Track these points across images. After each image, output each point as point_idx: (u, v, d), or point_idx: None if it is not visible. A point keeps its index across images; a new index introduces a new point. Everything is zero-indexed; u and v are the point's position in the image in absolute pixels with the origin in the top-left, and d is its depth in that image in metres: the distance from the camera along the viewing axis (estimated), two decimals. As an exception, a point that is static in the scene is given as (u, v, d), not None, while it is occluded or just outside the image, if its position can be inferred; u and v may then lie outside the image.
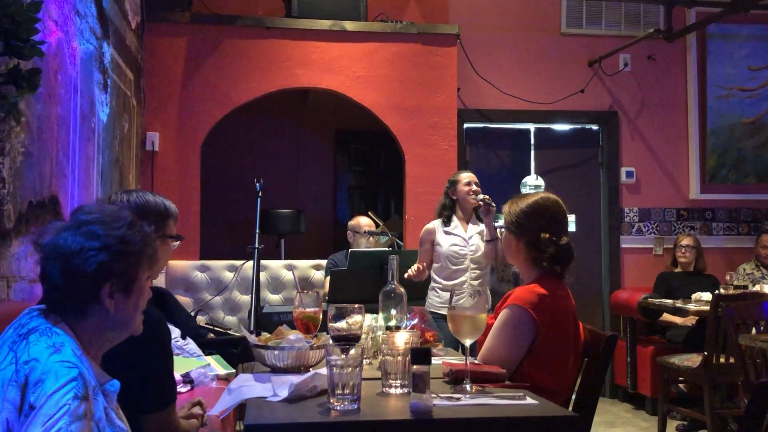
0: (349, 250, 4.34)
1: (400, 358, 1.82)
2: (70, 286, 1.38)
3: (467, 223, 4.18)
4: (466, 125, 5.95)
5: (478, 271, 4.12)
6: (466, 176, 4.20)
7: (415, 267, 3.87)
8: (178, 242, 2.20)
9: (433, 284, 4.18)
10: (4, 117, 2.19)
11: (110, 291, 1.41)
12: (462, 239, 4.12)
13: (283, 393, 1.74)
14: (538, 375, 2.08)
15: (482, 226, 4.08)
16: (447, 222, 4.17)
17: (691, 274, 5.46)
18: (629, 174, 6.09)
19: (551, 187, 5.87)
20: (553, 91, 5.98)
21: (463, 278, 4.09)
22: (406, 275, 3.75)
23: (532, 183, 6.01)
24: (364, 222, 4.82)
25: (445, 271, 4.12)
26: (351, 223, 4.91)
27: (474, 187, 4.14)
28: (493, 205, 3.98)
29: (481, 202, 4.00)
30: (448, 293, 1.99)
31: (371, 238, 4.72)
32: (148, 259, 1.48)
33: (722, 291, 4.54)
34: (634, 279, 6.01)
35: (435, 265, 4.16)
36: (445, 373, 2.00)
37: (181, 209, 4.99)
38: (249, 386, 1.87)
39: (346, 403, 1.62)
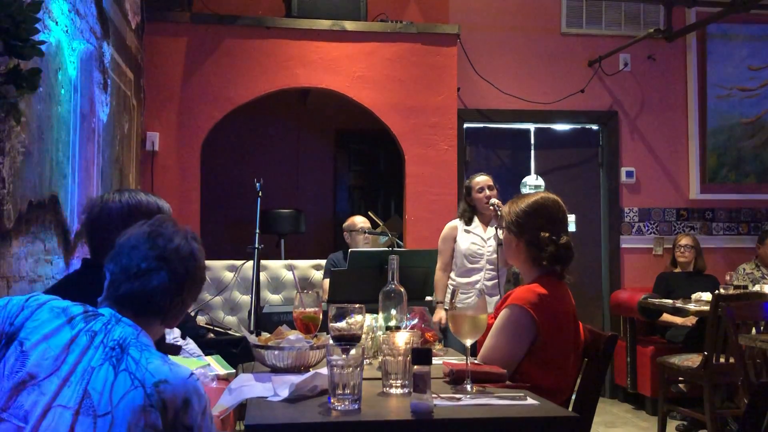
0: (349, 250, 4.34)
1: (400, 358, 1.81)
2: (185, 287, 1.46)
3: (486, 225, 4.21)
4: (466, 125, 5.94)
5: (492, 272, 4.14)
6: (479, 181, 4.21)
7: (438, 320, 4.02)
8: None
9: (449, 282, 4.22)
10: (4, 117, 2.19)
11: None
12: (481, 239, 4.18)
13: (284, 393, 1.73)
14: (538, 375, 2.08)
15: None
16: (468, 222, 4.21)
17: (691, 274, 5.46)
18: (629, 174, 6.09)
19: (551, 187, 5.87)
20: (553, 91, 5.98)
21: (477, 277, 4.13)
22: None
23: (532, 183, 6.01)
24: (358, 220, 4.83)
25: (461, 269, 4.17)
26: (345, 224, 4.91)
27: (487, 192, 4.16)
28: None
29: (491, 207, 4.02)
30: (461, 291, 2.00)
31: (369, 236, 4.73)
32: None
33: (722, 291, 4.54)
34: (634, 279, 6.01)
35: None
36: (445, 373, 2.00)
37: (181, 209, 5.02)
38: (249, 386, 1.87)
39: (347, 403, 1.62)
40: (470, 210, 4.24)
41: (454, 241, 4.21)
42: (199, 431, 1.31)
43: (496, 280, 4.15)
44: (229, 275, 4.88)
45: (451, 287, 4.16)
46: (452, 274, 4.21)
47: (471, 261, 4.15)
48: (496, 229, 3.99)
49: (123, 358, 1.30)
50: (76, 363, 1.29)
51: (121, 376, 1.28)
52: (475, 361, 2.08)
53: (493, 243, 4.14)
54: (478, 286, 4.01)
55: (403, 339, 1.86)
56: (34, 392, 1.27)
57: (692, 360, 4.39)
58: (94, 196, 3.39)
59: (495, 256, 4.11)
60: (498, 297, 4.03)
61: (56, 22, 2.76)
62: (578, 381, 2.26)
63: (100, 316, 1.37)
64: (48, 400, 1.26)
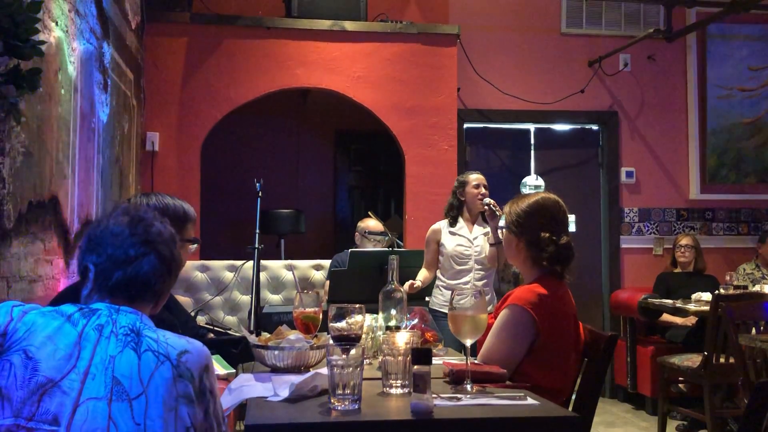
0: (350, 250, 4.34)
1: (400, 358, 1.81)
2: (172, 268, 1.49)
3: (473, 224, 4.19)
4: (466, 125, 5.94)
5: (482, 272, 4.12)
6: (475, 178, 4.19)
7: (407, 284, 3.87)
8: (195, 245, 2.22)
9: (438, 283, 4.20)
10: (4, 117, 2.19)
11: None
12: (467, 240, 4.14)
13: (284, 393, 1.73)
14: (538, 375, 2.08)
15: (488, 228, 4.09)
16: (453, 222, 4.18)
17: (691, 274, 5.46)
18: (629, 174, 6.09)
19: (551, 187, 5.87)
20: (553, 91, 5.98)
21: (467, 278, 4.10)
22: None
23: (532, 183, 6.01)
24: (371, 224, 4.79)
25: (449, 271, 4.14)
26: (360, 224, 4.85)
27: (482, 190, 4.15)
28: (499, 211, 3.99)
29: (486, 207, 4.00)
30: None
31: (376, 242, 4.70)
32: None
33: (722, 291, 4.54)
34: (634, 279, 6.01)
35: (440, 264, 4.18)
36: (445, 373, 2.00)
37: (181, 209, 4.98)
38: (249, 386, 1.87)
39: (347, 403, 1.62)
40: (458, 207, 4.21)
41: (438, 244, 4.18)
42: (216, 392, 1.41)
43: (486, 280, 4.14)
44: (229, 275, 4.88)
45: (442, 289, 4.15)
46: (443, 277, 4.18)
47: (458, 262, 4.12)
48: (497, 229, 3.98)
49: (141, 341, 1.34)
50: (92, 356, 1.31)
51: (145, 356, 1.32)
52: (475, 361, 2.08)
53: (480, 243, 4.12)
54: (468, 287, 3.99)
55: (403, 339, 1.86)
56: (57, 394, 1.27)
57: (692, 360, 4.39)
58: (93, 195, 3.39)
59: (483, 255, 4.10)
60: (489, 297, 4.03)
61: (56, 22, 2.76)
62: (578, 381, 2.26)
63: (98, 311, 1.37)
64: (75, 397, 1.27)
